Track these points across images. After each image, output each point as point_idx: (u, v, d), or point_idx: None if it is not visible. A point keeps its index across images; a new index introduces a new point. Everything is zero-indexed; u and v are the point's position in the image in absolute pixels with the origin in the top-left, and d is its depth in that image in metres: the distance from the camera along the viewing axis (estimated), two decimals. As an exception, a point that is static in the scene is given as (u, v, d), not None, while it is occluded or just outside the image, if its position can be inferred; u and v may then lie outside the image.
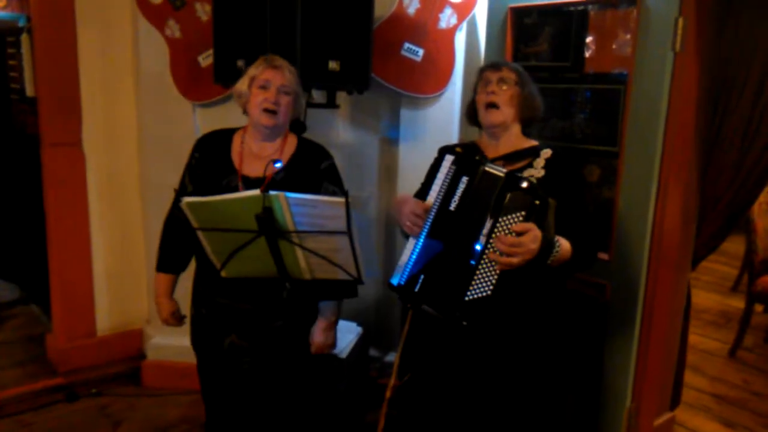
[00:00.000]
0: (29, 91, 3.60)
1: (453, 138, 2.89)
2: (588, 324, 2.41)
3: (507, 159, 1.85)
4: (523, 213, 1.60)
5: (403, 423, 2.07)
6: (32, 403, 2.96)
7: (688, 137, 2.33)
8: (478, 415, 1.82)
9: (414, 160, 2.92)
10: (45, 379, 3.14)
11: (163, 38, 2.86)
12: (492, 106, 1.83)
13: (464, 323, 1.64)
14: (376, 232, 3.16)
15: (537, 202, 1.60)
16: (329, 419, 2.54)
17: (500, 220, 1.61)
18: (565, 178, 1.82)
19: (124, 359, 3.30)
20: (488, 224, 1.63)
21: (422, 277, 1.71)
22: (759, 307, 4.07)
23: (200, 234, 1.68)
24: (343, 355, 2.56)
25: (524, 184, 1.61)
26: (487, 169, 1.67)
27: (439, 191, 1.72)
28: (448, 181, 1.71)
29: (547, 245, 1.63)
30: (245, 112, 1.95)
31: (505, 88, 1.84)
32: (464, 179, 1.69)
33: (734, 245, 5.00)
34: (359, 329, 2.79)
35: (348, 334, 2.70)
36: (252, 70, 1.90)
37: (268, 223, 1.60)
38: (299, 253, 1.69)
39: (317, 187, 1.97)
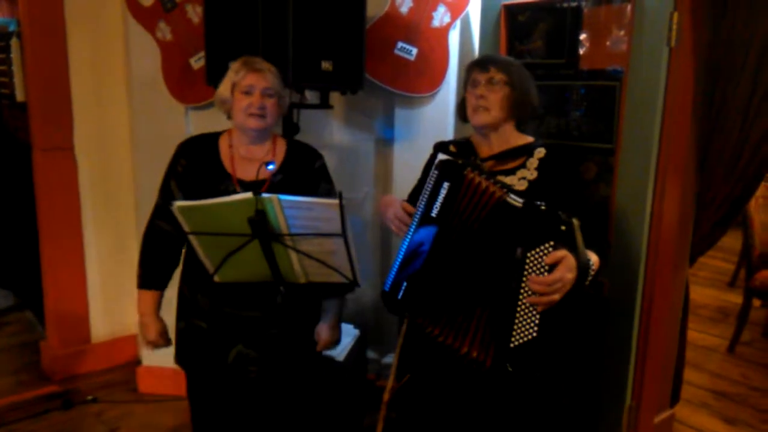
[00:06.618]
0: (20, 96, 3.57)
1: (448, 137, 2.87)
2: (587, 321, 2.39)
3: (499, 158, 1.80)
4: (551, 243, 1.50)
5: (401, 425, 2.05)
6: (27, 412, 2.93)
7: (685, 132, 2.32)
8: (476, 415, 1.80)
9: (409, 159, 2.91)
10: (40, 386, 3.11)
11: (155, 41, 2.83)
12: (481, 108, 1.78)
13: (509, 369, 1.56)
14: (371, 233, 3.14)
15: (563, 227, 1.48)
16: (327, 422, 2.52)
17: (528, 255, 1.52)
18: (558, 179, 1.76)
19: (119, 366, 3.29)
20: (514, 262, 1.52)
21: (405, 284, 1.64)
22: (757, 302, 4.06)
23: (193, 238, 1.66)
24: (341, 357, 2.54)
25: (543, 207, 1.50)
26: (469, 175, 1.58)
27: (421, 197, 1.64)
28: (431, 185, 1.62)
29: (583, 268, 1.54)
30: (229, 117, 1.93)
31: (495, 89, 1.77)
32: (445, 185, 1.60)
33: (731, 240, 4.99)
34: (356, 332, 2.77)
35: (345, 337, 2.66)
36: (232, 75, 1.87)
37: (261, 226, 1.58)
38: (293, 256, 1.67)
39: (315, 187, 1.95)
